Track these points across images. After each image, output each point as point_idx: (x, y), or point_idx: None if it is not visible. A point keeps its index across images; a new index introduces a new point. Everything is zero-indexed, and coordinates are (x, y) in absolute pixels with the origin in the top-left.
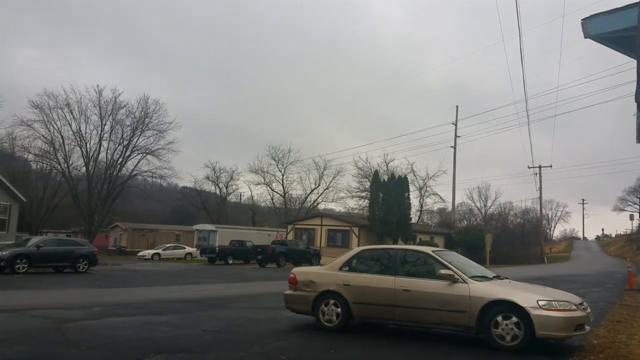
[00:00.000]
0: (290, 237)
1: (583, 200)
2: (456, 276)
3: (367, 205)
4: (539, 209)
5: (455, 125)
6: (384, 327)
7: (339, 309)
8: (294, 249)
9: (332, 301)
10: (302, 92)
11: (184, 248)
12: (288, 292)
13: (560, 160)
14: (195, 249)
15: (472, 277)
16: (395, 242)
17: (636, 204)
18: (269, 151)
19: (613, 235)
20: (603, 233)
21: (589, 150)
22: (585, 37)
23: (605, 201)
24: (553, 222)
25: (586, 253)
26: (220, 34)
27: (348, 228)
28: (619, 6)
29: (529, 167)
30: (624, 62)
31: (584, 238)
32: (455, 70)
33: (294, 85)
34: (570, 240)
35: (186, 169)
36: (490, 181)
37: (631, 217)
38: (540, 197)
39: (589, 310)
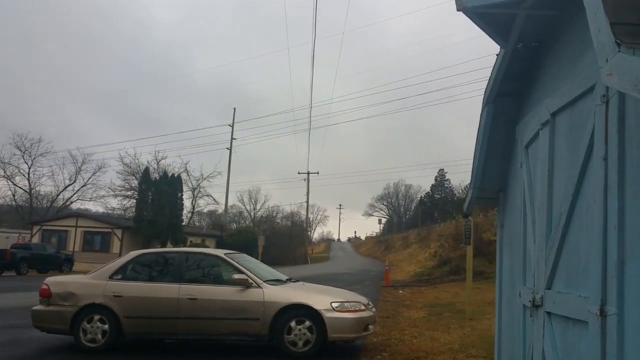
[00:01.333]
0: (36, 239)
1: (340, 205)
2: (250, 280)
3: (134, 205)
4: (304, 212)
5: (232, 127)
6: (162, 343)
7: (106, 326)
8: (41, 254)
9: (97, 317)
10: (60, 80)
11: None
12: (38, 307)
13: (322, 168)
14: None
15: (266, 281)
16: (164, 245)
17: (383, 210)
18: (14, 139)
19: (363, 238)
20: (355, 235)
21: (348, 160)
22: (458, 10)
23: (357, 207)
24: (314, 224)
25: (342, 253)
26: None
27: (109, 230)
28: None
29: (298, 173)
30: (376, 84)
31: (339, 240)
32: (230, 74)
33: (51, 73)
34: (327, 241)
35: None
36: (260, 185)
37: (380, 221)
38: (308, 203)
39: (374, 309)
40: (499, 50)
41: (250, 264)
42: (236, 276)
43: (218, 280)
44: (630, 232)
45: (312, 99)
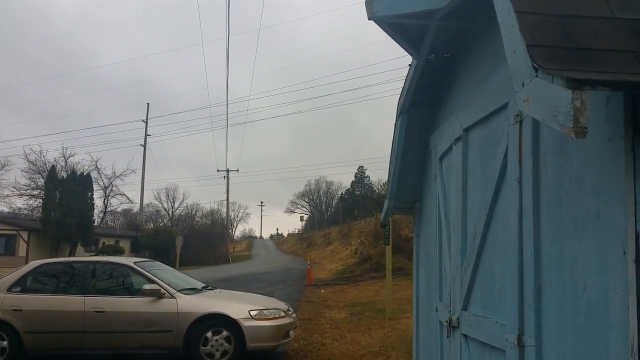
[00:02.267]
0: None
1: (261, 202)
2: (163, 290)
3: (41, 205)
4: (224, 210)
5: (146, 123)
6: (71, 357)
7: (5, 342)
8: None
9: None
10: None
11: None
12: None
13: (242, 165)
14: None
15: (180, 291)
16: (74, 247)
17: (304, 207)
18: None
19: (285, 235)
20: (277, 232)
21: (268, 157)
22: (369, 19)
23: (279, 204)
24: (235, 222)
25: (264, 251)
26: None
27: (14, 232)
28: None
29: (218, 171)
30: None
31: (261, 237)
32: (142, 67)
33: None
34: (249, 239)
35: None
36: (178, 182)
37: (301, 218)
38: (228, 200)
39: (294, 315)
40: (411, 60)
41: (162, 273)
42: (147, 286)
43: (128, 291)
44: (547, 260)
45: (228, 95)
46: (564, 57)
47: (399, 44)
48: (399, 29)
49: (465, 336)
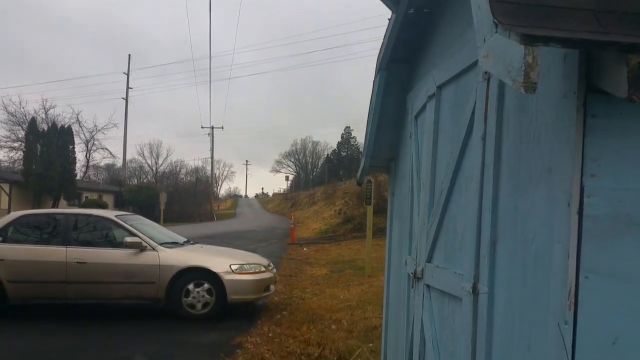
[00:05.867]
0: None
1: (247, 161)
2: (144, 244)
3: (22, 158)
4: (209, 168)
5: (128, 75)
6: (54, 306)
7: None
8: None
9: None
10: None
11: None
12: None
13: (227, 123)
14: None
15: (162, 244)
16: (57, 201)
17: (290, 166)
18: None
19: (270, 194)
20: (262, 192)
21: (254, 116)
22: None
23: (264, 163)
24: (220, 180)
25: (249, 210)
26: None
27: None
28: None
29: (202, 127)
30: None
31: (246, 196)
32: (122, 16)
33: None
34: (234, 197)
35: None
36: (162, 138)
37: (287, 178)
38: (212, 157)
39: (275, 270)
40: (390, 15)
41: (144, 227)
42: (129, 239)
43: (110, 243)
44: (503, 213)
45: (210, 47)
46: (525, 14)
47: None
48: None
49: (428, 286)
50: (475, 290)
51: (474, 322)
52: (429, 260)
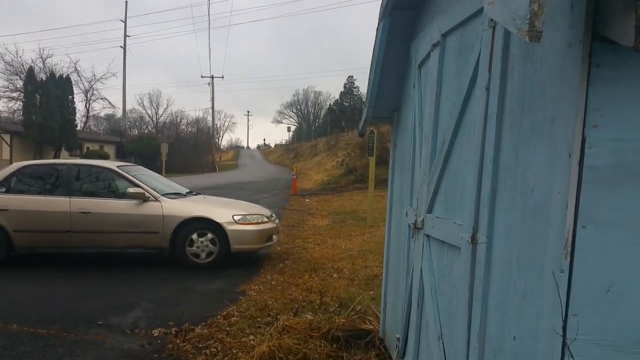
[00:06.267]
0: None
1: (248, 112)
2: (147, 194)
3: (21, 108)
4: (210, 119)
5: (125, 22)
6: (60, 256)
7: None
8: None
9: None
10: None
11: None
12: None
13: (228, 72)
14: None
15: (165, 195)
16: (58, 152)
17: (292, 117)
18: None
19: (272, 146)
20: (264, 143)
21: (255, 65)
22: None
23: (266, 114)
24: (222, 131)
25: (251, 161)
26: None
27: None
28: None
29: (202, 77)
30: None
31: (248, 147)
32: None
33: None
34: (236, 149)
35: None
36: (161, 88)
37: (289, 129)
38: (213, 108)
39: (277, 221)
40: None
41: (146, 177)
42: (131, 189)
43: (113, 194)
44: (504, 164)
45: None
46: None
47: None
48: None
49: (428, 236)
50: (474, 240)
51: (471, 271)
52: (430, 211)
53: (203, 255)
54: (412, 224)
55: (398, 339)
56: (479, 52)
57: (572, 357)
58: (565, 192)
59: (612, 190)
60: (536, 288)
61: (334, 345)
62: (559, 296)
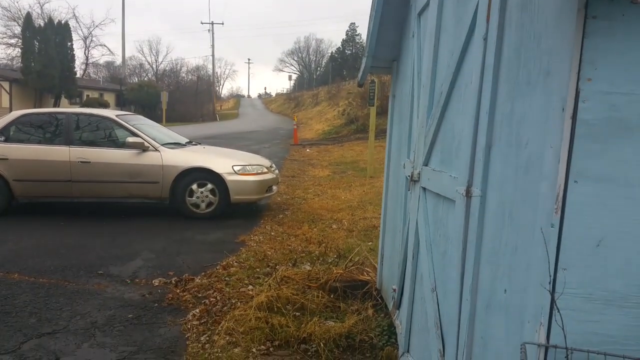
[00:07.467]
0: None
1: (249, 60)
2: (146, 144)
3: (20, 55)
4: (210, 66)
5: None
6: (62, 206)
7: None
8: None
9: None
10: None
11: None
12: None
13: (230, 18)
14: None
15: (164, 145)
16: (58, 100)
17: (293, 65)
18: None
19: (273, 95)
20: (265, 91)
21: (255, 11)
22: None
23: (267, 62)
24: (222, 80)
25: (252, 110)
26: None
27: None
28: None
29: (202, 23)
30: None
31: (249, 96)
32: None
33: None
34: (237, 97)
35: None
36: (161, 35)
37: (290, 78)
38: (213, 55)
39: (277, 171)
40: None
41: (146, 127)
42: (130, 139)
43: (112, 143)
44: (500, 117)
45: None
46: None
47: None
48: None
49: (424, 189)
50: (468, 193)
51: (465, 224)
52: (426, 163)
53: (203, 205)
54: (409, 176)
55: (394, 290)
56: (477, 1)
57: (558, 311)
58: (558, 146)
59: (605, 144)
60: (527, 242)
61: (332, 296)
62: (547, 251)
